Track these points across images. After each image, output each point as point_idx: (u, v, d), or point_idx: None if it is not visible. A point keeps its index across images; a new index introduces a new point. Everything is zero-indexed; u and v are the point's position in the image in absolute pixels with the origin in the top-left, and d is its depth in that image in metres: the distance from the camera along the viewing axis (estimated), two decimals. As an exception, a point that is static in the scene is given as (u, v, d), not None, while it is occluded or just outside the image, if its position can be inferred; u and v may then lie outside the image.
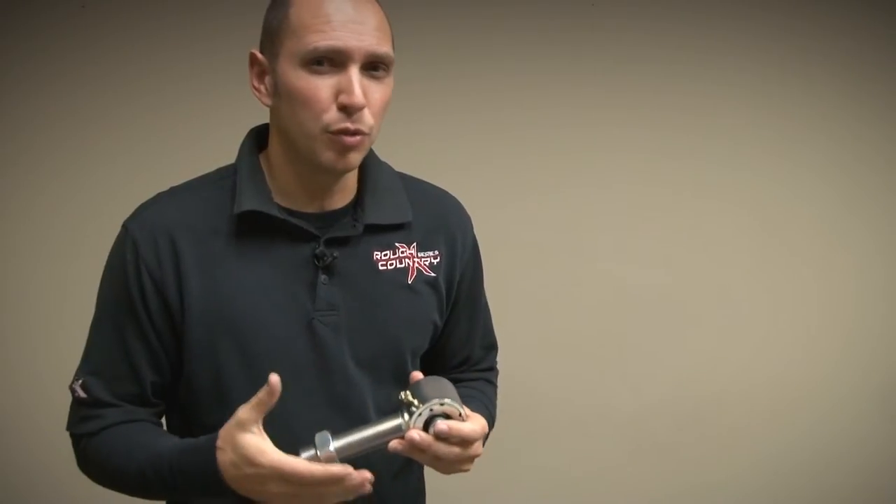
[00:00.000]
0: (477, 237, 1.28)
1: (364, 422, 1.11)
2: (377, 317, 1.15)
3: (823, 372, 2.50)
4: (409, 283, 1.17)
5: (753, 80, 2.40)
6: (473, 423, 1.05)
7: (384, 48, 1.05)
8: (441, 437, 1.01)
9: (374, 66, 1.05)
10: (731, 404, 2.49)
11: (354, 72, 1.03)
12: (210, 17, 2.21)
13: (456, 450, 1.03)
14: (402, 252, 1.17)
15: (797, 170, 2.45)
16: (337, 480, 0.97)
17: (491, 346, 1.36)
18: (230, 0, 2.17)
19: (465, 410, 1.05)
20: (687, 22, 2.37)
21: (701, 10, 2.37)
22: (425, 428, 1.02)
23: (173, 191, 1.16)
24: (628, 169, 2.40)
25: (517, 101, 2.35)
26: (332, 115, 1.03)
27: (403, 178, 1.22)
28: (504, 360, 1.39)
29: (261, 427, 0.99)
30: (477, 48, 2.33)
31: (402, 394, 1.04)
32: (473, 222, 1.28)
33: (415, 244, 1.18)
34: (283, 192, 1.12)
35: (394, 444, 1.01)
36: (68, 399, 1.16)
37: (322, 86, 1.03)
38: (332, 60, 1.03)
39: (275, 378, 0.97)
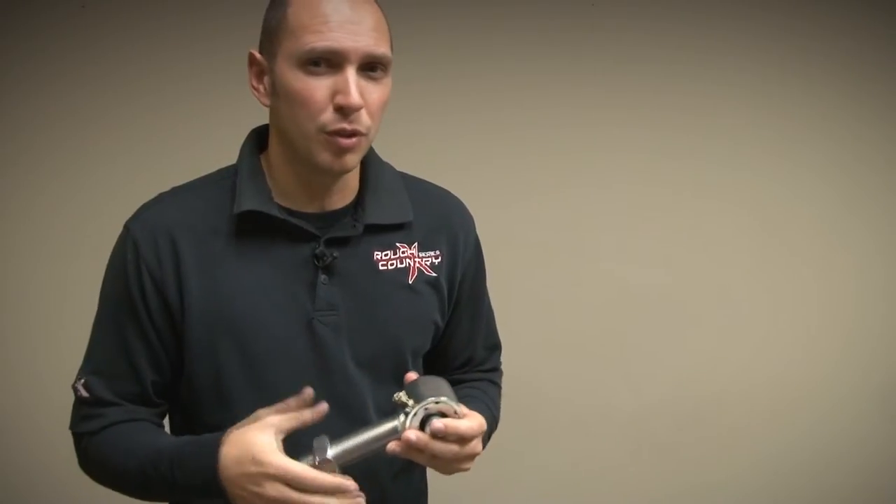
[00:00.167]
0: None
1: (364, 422, 1.11)
2: (377, 317, 1.15)
3: (823, 372, 2.50)
4: (410, 282, 1.17)
5: (753, 80, 2.40)
6: (470, 421, 1.05)
7: (381, 49, 1.04)
8: (437, 435, 1.01)
9: (371, 66, 1.04)
10: (731, 404, 2.49)
11: (351, 73, 1.02)
12: (210, 17, 2.21)
13: (454, 447, 1.03)
14: (403, 252, 1.17)
15: (797, 170, 2.45)
16: (342, 491, 0.97)
17: (494, 347, 1.36)
18: (230, 0, 2.17)
19: (461, 408, 1.05)
20: (687, 22, 2.37)
21: (701, 10, 2.37)
22: (421, 428, 1.02)
23: (175, 191, 1.16)
24: (628, 169, 2.40)
25: (517, 101, 2.35)
26: (328, 116, 1.03)
27: (405, 177, 1.22)
28: (505, 360, 1.39)
29: (278, 433, 0.99)
30: (477, 48, 2.33)
31: (397, 395, 1.03)
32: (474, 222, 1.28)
33: (416, 244, 1.18)
34: (284, 192, 1.12)
35: (391, 446, 1.01)
36: (68, 399, 1.16)
37: (318, 86, 1.03)
38: (329, 61, 1.02)
39: (309, 391, 0.99)
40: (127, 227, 1.12)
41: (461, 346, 1.29)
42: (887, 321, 2.51)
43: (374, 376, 1.16)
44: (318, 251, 1.11)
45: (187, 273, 1.09)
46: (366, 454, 1.02)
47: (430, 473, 1.18)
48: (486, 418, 1.18)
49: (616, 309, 2.43)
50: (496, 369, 1.36)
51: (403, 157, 1.26)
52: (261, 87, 1.09)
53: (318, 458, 0.99)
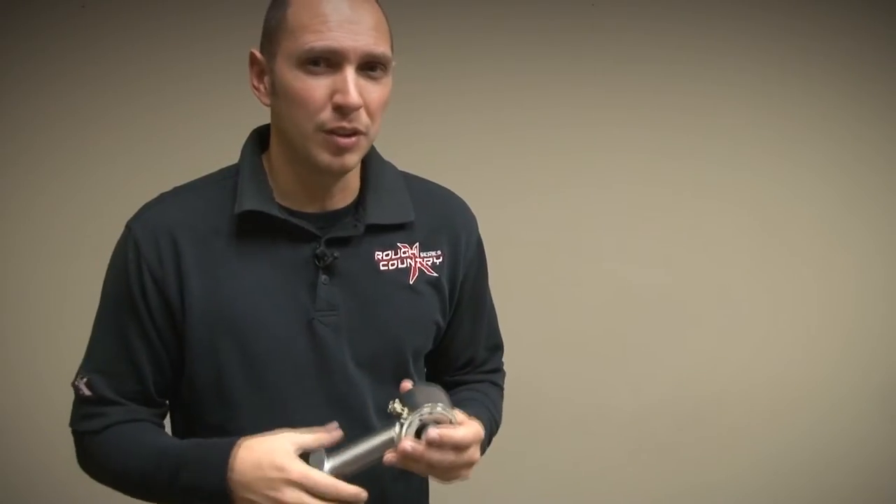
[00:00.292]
0: (478, 237, 1.28)
1: (364, 422, 1.11)
2: (377, 317, 1.15)
3: (823, 372, 2.50)
4: (411, 283, 1.17)
5: (753, 80, 2.40)
6: (466, 429, 1.05)
7: (381, 48, 1.04)
8: (433, 444, 1.01)
9: (370, 66, 1.04)
10: (731, 404, 2.49)
11: (350, 72, 1.02)
12: (210, 17, 2.21)
13: (450, 456, 1.03)
14: (404, 252, 1.17)
15: (797, 170, 2.45)
16: (358, 501, 0.99)
17: (496, 347, 1.36)
18: (230, 0, 2.17)
19: (458, 416, 1.05)
20: (687, 22, 2.37)
21: (701, 10, 2.37)
22: (417, 437, 1.02)
23: (176, 191, 1.16)
24: (628, 169, 2.40)
25: (517, 101, 2.35)
26: (326, 115, 1.03)
27: (407, 177, 1.22)
28: (505, 360, 1.39)
29: (295, 445, 1.00)
30: (477, 48, 2.33)
31: (391, 405, 1.03)
32: (474, 222, 1.28)
33: (417, 244, 1.18)
34: (285, 192, 1.12)
35: (388, 457, 1.02)
36: (68, 398, 1.16)
37: (317, 86, 1.02)
38: (329, 61, 1.02)
39: (334, 427, 1.02)
40: (128, 226, 1.12)
41: (463, 347, 1.29)
42: (887, 321, 2.51)
43: (375, 376, 1.16)
44: (318, 251, 1.11)
45: (188, 273, 1.09)
46: (363, 466, 1.02)
47: (431, 473, 1.18)
48: (486, 422, 1.18)
49: (616, 309, 2.43)
50: (498, 370, 1.36)
51: (404, 156, 1.26)
52: (261, 87, 1.09)
53: None
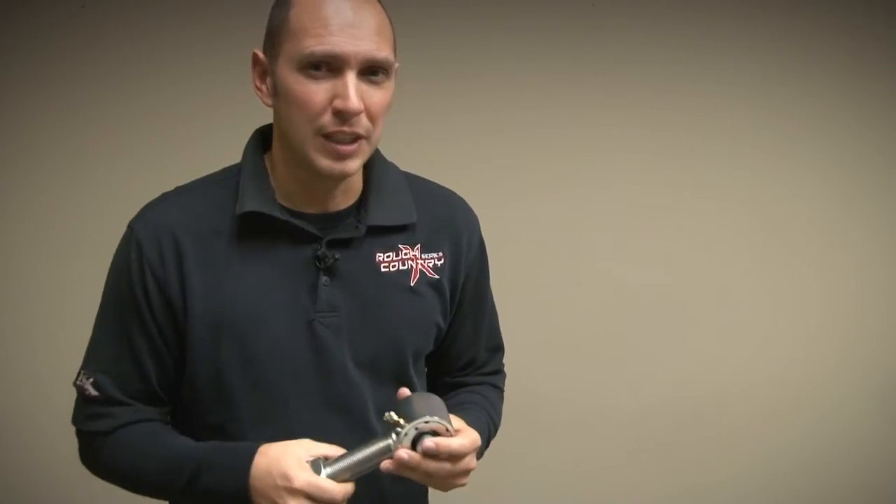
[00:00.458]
0: (479, 237, 1.28)
1: (364, 423, 1.11)
2: (378, 318, 1.15)
3: (823, 372, 2.50)
4: (412, 284, 1.17)
5: (753, 80, 2.40)
6: (462, 438, 1.05)
7: (383, 53, 1.03)
8: (429, 454, 1.01)
9: (372, 70, 1.04)
10: (731, 404, 2.49)
11: (351, 77, 1.02)
12: (210, 17, 2.21)
13: (446, 466, 1.03)
14: (406, 254, 1.17)
15: (797, 170, 2.45)
16: None
17: (497, 348, 1.36)
18: (230, 0, 2.17)
19: (455, 425, 1.05)
20: (687, 22, 2.37)
21: (701, 10, 2.37)
22: (414, 446, 1.02)
23: (178, 191, 1.16)
24: (628, 169, 2.40)
25: (517, 101, 2.35)
26: (326, 119, 1.03)
27: (409, 177, 1.22)
28: (505, 360, 1.39)
29: (311, 451, 1.02)
30: (477, 48, 2.32)
31: (387, 414, 1.04)
32: (473, 223, 1.28)
33: (419, 245, 1.18)
34: (286, 193, 1.12)
35: (385, 464, 1.02)
36: (68, 398, 1.16)
37: (318, 90, 1.02)
38: (329, 65, 1.02)
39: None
40: (130, 226, 1.12)
41: (464, 347, 1.29)
42: (887, 321, 2.51)
43: (375, 378, 1.16)
44: (319, 253, 1.11)
45: (190, 273, 1.09)
46: (360, 473, 1.03)
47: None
48: (483, 427, 1.19)
49: (616, 309, 2.43)
50: (499, 372, 1.36)
51: (404, 156, 1.26)
52: (264, 88, 1.09)
53: None
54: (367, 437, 1.06)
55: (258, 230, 1.10)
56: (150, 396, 1.13)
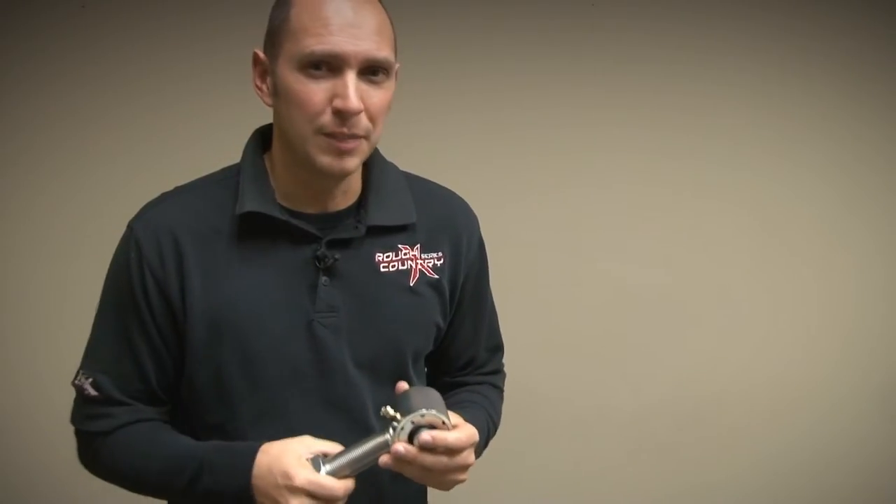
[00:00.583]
0: (478, 237, 1.28)
1: (364, 423, 1.11)
2: (377, 318, 1.15)
3: (823, 372, 2.50)
4: (411, 284, 1.17)
5: (753, 80, 2.40)
6: (459, 432, 1.04)
7: (383, 53, 1.03)
8: (426, 447, 1.01)
9: (372, 70, 1.04)
10: (731, 404, 2.49)
11: (351, 77, 1.02)
12: (210, 17, 2.21)
13: (443, 459, 1.03)
14: (405, 254, 1.16)
15: (797, 170, 2.45)
16: None
17: (496, 348, 1.35)
18: (230, 0, 2.17)
19: (452, 419, 1.05)
20: (687, 22, 2.37)
21: (701, 10, 2.37)
22: (411, 440, 1.02)
23: (178, 190, 1.16)
24: (628, 169, 2.40)
25: (517, 101, 2.35)
26: (326, 118, 1.03)
27: (409, 177, 1.22)
28: (505, 360, 1.39)
29: (308, 453, 1.02)
30: (477, 48, 2.33)
31: (384, 409, 1.03)
32: (473, 223, 1.28)
33: (418, 245, 1.18)
34: (286, 193, 1.12)
35: (383, 459, 1.02)
36: (68, 398, 1.16)
37: (318, 90, 1.02)
38: (329, 65, 1.02)
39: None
40: (130, 226, 1.12)
41: (464, 347, 1.29)
42: (887, 321, 2.51)
43: (374, 378, 1.16)
44: (319, 253, 1.10)
45: (189, 273, 1.09)
46: (359, 469, 1.03)
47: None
48: (483, 425, 1.19)
49: (616, 309, 2.43)
50: (498, 371, 1.36)
51: (403, 156, 1.26)
52: (264, 87, 1.09)
53: None
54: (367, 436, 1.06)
55: (258, 230, 1.10)
56: (150, 396, 1.13)
